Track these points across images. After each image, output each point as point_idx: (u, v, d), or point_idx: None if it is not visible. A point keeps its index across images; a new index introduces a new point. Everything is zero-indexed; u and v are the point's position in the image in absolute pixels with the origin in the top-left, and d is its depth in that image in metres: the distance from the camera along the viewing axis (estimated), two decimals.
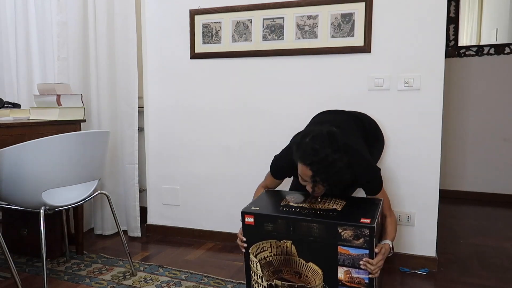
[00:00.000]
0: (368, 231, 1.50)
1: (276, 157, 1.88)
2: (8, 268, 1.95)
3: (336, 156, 1.50)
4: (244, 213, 1.71)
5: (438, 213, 2.15)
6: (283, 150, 1.87)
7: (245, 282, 1.95)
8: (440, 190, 2.14)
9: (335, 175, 1.52)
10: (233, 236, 2.53)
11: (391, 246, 1.67)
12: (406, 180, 2.17)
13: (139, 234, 2.65)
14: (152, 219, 2.74)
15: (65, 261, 2.26)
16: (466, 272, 2.14)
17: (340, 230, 1.54)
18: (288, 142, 2.36)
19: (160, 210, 2.71)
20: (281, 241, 1.65)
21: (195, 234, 2.63)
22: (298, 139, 1.62)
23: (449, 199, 3.63)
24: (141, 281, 2.01)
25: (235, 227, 2.52)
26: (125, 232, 2.67)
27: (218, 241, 2.57)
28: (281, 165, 1.84)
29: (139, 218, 2.65)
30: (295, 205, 1.72)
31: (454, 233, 2.77)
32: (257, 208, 1.71)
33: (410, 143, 2.14)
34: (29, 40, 2.70)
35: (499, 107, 3.62)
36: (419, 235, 2.17)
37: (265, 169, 2.45)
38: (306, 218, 1.60)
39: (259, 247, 1.70)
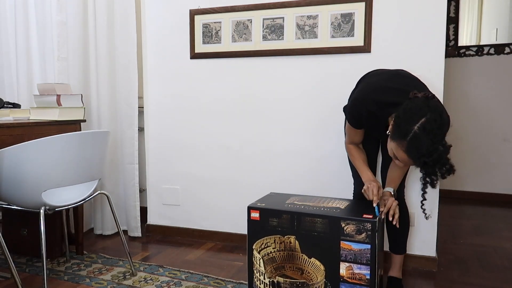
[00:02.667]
0: (370, 225, 1.53)
1: (351, 106, 1.71)
2: (8, 268, 1.95)
3: (444, 148, 1.45)
4: (250, 208, 1.77)
5: (438, 213, 2.15)
6: (356, 99, 1.70)
7: (245, 282, 1.96)
8: (440, 190, 2.14)
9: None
10: (233, 236, 2.54)
11: (391, 193, 1.76)
12: (406, 180, 2.16)
13: (139, 234, 2.65)
14: (152, 219, 2.74)
15: (65, 261, 2.26)
16: (466, 272, 2.14)
17: (343, 225, 1.58)
18: (288, 143, 2.37)
19: (160, 210, 2.71)
20: (285, 237, 1.68)
21: (195, 234, 2.63)
22: (410, 120, 1.45)
23: (449, 199, 3.63)
24: (141, 281, 2.01)
25: (235, 227, 2.53)
26: (125, 232, 2.67)
27: (218, 241, 2.57)
28: (361, 116, 1.67)
29: (139, 218, 2.65)
30: (300, 203, 1.76)
31: (454, 233, 2.77)
32: (263, 204, 1.75)
33: None
34: (29, 40, 2.70)
35: (499, 107, 3.62)
36: (419, 235, 2.17)
37: (265, 169, 2.46)
38: (310, 212, 1.63)
39: (263, 243, 1.73)
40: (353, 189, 2.01)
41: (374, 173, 1.92)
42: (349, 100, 1.84)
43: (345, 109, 1.77)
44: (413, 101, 1.50)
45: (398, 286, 1.93)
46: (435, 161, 1.43)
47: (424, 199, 1.61)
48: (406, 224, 1.95)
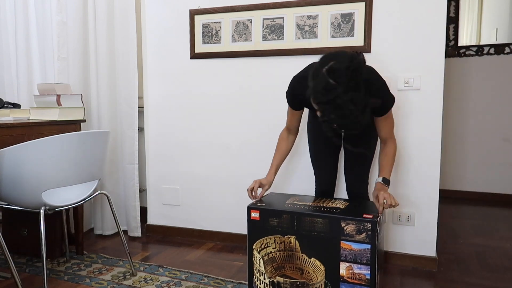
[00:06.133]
0: (370, 225, 1.53)
1: (292, 80, 1.79)
2: (8, 268, 1.95)
3: (349, 96, 1.36)
4: (250, 208, 1.76)
5: (438, 213, 2.15)
6: (300, 72, 1.77)
7: (245, 282, 1.96)
8: (440, 190, 2.14)
9: (345, 118, 1.39)
10: (233, 236, 2.54)
11: (382, 182, 1.73)
12: (406, 180, 2.17)
13: (139, 234, 2.65)
14: (152, 219, 2.74)
15: (65, 261, 2.26)
16: (466, 272, 2.14)
17: (343, 225, 1.58)
18: None
19: (160, 210, 2.71)
20: (285, 237, 1.68)
21: (195, 234, 2.63)
22: (317, 64, 1.47)
23: (449, 199, 3.63)
24: (141, 281, 2.01)
25: (235, 227, 2.53)
26: (125, 232, 2.67)
27: (218, 241, 2.57)
28: (297, 89, 1.71)
29: (139, 218, 2.65)
30: (300, 203, 1.76)
31: (454, 233, 2.77)
32: (263, 204, 1.74)
33: (410, 143, 2.14)
34: (29, 40, 2.70)
35: (499, 107, 3.62)
36: (419, 235, 2.17)
37: (265, 168, 2.46)
38: (310, 212, 1.63)
39: (263, 243, 1.73)
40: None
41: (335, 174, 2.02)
42: None
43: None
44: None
45: None
46: (328, 101, 1.39)
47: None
48: None
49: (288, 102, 1.85)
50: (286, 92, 1.83)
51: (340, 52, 1.49)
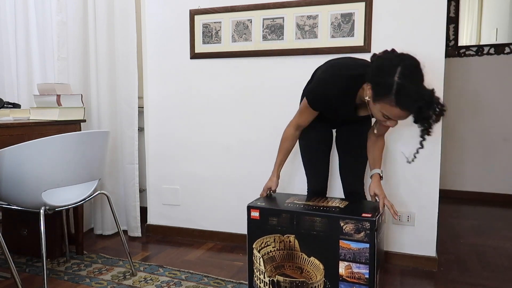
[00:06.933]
0: (368, 224, 1.54)
1: (318, 85, 1.70)
2: (8, 268, 1.95)
3: (428, 89, 1.45)
4: (250, 207, 1.77)
5: (438, 213, 2.15)
6: (323, 78, 1.70)
7: (245, 282, 1.96)
8: (440, 190, 2.14)
9: (435, 106, 1.47)
10: (233, 236, 2.54)
11: (380, 174, 1.80)
12: (406, 180, 2.17)
13: (139, 234, 2.65)
14: (152, 219, 2.74)
15: (65, 261, 2.26)
16: (466, 272, 2.14)
17: (342, 224, 1.58)
18: None
19: (160, 210, 2.71)
20: (285, 236, 1.68)
21: (195, 234, 2.63)
22: (390, 78, 1.44)
23: (449, 199, 3.63)
24: (141, 281, 2.01)
25: (235, 227, 2.53)
26: (125, 232, 2.67)
27: (218, 241, 2.57)
28: (329, 95, 1.65)
29: (139, 218, 2.65)
30: (300, 202, 1.77)
31: (454, 233, 2.77)
32: (263, 204, 1.75)
33: (410, 143, 2.14)
34: (29, 40, 2.70)
35: (499, 107, 3.62)
36: (419, 235, 2.17)
37: (265, 168, 2.47)
38: (310, 211, 1.64)
39: (263, 242, 1.74)
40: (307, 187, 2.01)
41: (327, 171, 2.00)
42: (304, 92, 1.88)
43: (309, 89, 1.76)
44: (379, 58, 1.52)
45: None
46: (428, 103, 1.43)
47: (422, 146, 1.57)
48: None
49: (313, 102, 1.71)
50: (316, 93, 1.70)
51: (397, 54, 1.50)
